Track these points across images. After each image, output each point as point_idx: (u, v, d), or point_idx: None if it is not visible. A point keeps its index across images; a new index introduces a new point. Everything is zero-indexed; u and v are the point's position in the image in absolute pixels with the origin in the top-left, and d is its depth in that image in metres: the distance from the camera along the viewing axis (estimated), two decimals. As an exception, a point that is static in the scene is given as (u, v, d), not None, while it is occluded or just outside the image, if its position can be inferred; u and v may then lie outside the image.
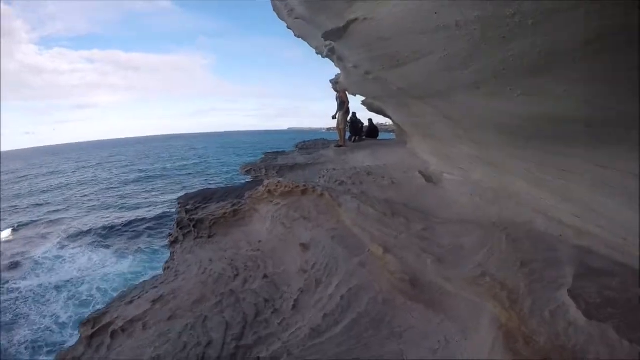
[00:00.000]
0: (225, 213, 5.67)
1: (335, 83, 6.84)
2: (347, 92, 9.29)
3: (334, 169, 6.80)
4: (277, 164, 10.09)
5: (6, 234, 19.57)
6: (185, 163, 47.59)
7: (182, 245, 5.49)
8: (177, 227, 5.83)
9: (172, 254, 5.45)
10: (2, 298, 13.45)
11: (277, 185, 5.18)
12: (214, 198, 6.56)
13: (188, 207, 6.07)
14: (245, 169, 10.90)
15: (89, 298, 12.75)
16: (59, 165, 66.27)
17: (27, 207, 27.33)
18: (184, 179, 33.87)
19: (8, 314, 12.14)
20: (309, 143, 15.18)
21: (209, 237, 5.52)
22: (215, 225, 5.66)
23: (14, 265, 16.20)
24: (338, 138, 10.52)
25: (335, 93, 9.66)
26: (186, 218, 5.84)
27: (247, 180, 9.19)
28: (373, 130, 11.72)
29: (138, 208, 23.47)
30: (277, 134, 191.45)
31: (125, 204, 25.23)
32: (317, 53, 7.45)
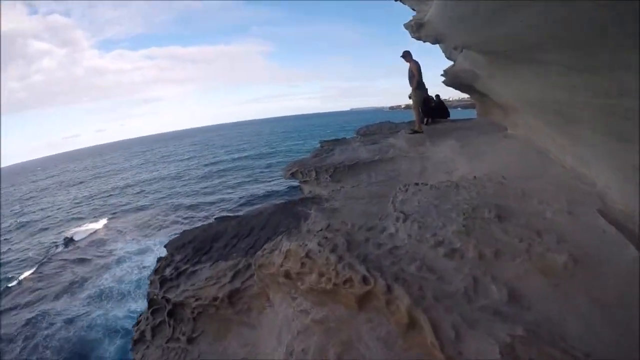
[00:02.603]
0: (216, 298, 2.97)
1: (417, 27, 3.48)
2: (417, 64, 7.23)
3: (417, 186, 3.60)
4: (332, 162, 7.26)
5: (101, 224, 21.62)
6: (248, 154, 47.97)
7: (146, 353, 2.99)
8: (148, 310, 3.37)
9: (128, 371, 3.03)
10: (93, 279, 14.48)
11: (302, 265, 2.24)
12: (214, 248, 3.87)
13: (166, 272, 3.52)
14: (291, 171, 8.16)
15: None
16: (127, 160, 74.48)
17: (105, 203, 29.94)
18: (249, 171, 33.98)
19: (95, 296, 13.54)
20: (372, 127, 12.04)
21: (189, 341, 2.91)
22: (201, 318, 3.03)
23: (105, 255, 17.16)
24: (414, 119, 7.89)
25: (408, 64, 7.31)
26: (160, 296, 3.31)
27: (286, 197, 6.52)
28: (443, 110, 8.93)
29: (211, 204, 23.44)
30: (339, 115, 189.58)
31: (198, 199, 25.50)
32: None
